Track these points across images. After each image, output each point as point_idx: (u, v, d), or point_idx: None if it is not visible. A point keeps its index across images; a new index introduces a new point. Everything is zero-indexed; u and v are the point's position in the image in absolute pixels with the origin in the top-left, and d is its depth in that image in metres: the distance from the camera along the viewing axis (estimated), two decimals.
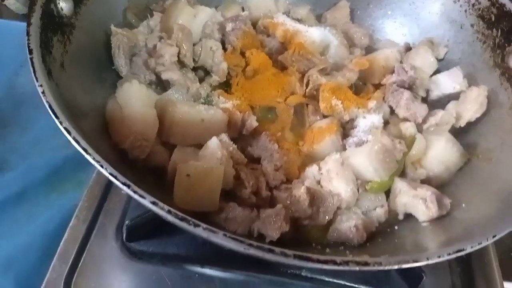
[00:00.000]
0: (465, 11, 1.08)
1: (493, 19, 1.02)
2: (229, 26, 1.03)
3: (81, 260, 0.91)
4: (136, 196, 0.59)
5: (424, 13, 1.16)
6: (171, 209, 0.59)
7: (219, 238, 0.59)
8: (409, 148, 0.92)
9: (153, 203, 0.59)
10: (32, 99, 1.35)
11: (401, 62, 1.08)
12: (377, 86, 1.06)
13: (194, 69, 1.01)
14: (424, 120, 0.99)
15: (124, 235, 0.92)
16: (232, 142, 0.86)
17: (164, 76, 0.91)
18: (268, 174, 0.86)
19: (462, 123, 0.98)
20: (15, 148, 1.23)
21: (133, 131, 0.81)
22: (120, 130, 0.83)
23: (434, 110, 1.01)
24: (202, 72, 1.04)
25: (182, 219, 0.59)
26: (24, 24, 1.43)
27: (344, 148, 0.94)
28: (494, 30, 1.02)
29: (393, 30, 1.20)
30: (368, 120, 0.95)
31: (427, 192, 0.84)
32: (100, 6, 0.95)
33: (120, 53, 0.93)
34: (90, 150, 0.62)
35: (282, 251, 0.58)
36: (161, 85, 0.97)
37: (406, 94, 0.98)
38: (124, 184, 0.60)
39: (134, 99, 0.85)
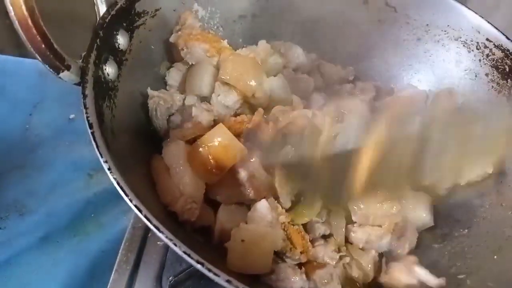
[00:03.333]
0: (479, 60, 1.13)
1: (507, 69, 1.08)
2: None
3: None
4: (210, 274, 0.62)
5: (438, 61, 1.21)
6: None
7: None
8: None
9: (228, 281, 0.62)
10: (47, 141, 1.35)
11: None
12: None
13: None
14: None
15: None
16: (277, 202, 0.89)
17: None
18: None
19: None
20: (33, 191, 1.23)
21: (183, 193, 0.83)
22: (169, 191, 0.85)
23: None
24: None
25: None
26: (36, 61, 1.44)
27: None
28: (509, 80, 1.07)
29: (409, 76, 1.25)
30: None
31: None
32: (137, 64, 0.97)
33: (158, 114, 0.96)
34: (161, 227, 0.64)
35: None
36: None
37: None
38: (198, 262, 0.62)
39: (182, 160, 0.87)
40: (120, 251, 1.00)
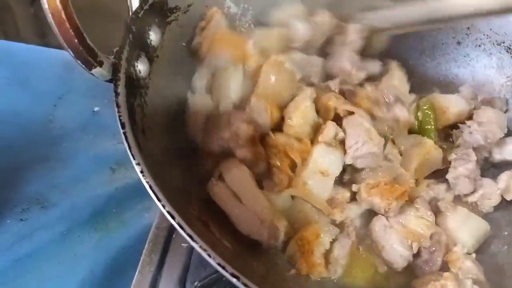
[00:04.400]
0: None
1: None
2: None
3: None
4: None
5: (479, 66, 1.17)
6: None
7: None
8: None
9: None
10: (71, 134, 1.34)
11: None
12: None
13: None
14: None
15: None
16: None
17: (239, 154, 0.91)
18: None
19: None
20: (56, 184, 1.22)
21: (265, 220, 0.83)
22: (248, 221, 0.84)
23: (483, 180, 1.00)
24: None
25: None
26: (61, 51, 1.42)
27: None
28: None
29: (447, 81, 1.20)
30: None
31: None
32: (167, 61, 0.94)
33: (197, 121, 0.92)
34: (195, 236, 0.62)
35: None
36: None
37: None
38: (233, 275, 0.59)
39: (252, 185, 0.87)
40: (143, 252, 0.98)
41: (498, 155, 1.03)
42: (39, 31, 2.02)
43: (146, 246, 0.99)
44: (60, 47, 1.35)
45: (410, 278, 0.88)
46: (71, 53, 0.69)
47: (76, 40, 0.69)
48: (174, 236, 1.01)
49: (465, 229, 0.91)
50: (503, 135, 1.03)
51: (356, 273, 0.89)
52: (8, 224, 1.10)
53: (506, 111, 1.09)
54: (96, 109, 1.37)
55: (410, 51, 1.21)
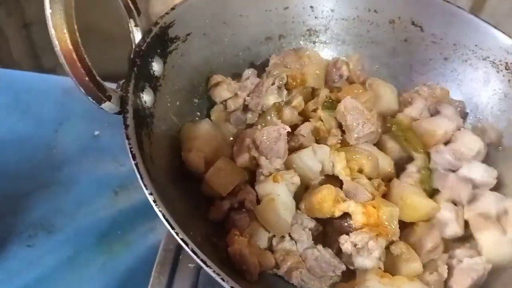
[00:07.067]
0: (509, 81, 1.14)
1: None
2: None
3: None
4: None
5: (466, 80, 1.20)
6: None
7: None
8: None
9: None
10: (73, 158, 1.36)
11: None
12: None
13: None
14: None
15: None
16: None
17: None
18: None
19: None
20: (60, 209, 1.24)
21: None
22: None
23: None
24: None
25: None
26: (61, 78, 1.44)
27: None
28: None
29: None
30: None
31: None
32: (170, 88, 0.98)
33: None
34: (208, 262, 0.65)
35: None
36: None
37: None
38: None
39: None
40: (152, 274, 1.01)
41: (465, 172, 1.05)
42: (32, 52, 2.03)
43: (154, 268, 1.01)
44: (54, 70, 1.37)
45: None
46: (82, 90, 0.73)
47: (87, 78, 0.72)
48: (181, 257, 1.03)
49: None
50: (470, 157, 1.06)
51: None
52: (15, 251, 1.12)
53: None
54: (96, 133, 1.39)
55: (399, 66, 1.24)
